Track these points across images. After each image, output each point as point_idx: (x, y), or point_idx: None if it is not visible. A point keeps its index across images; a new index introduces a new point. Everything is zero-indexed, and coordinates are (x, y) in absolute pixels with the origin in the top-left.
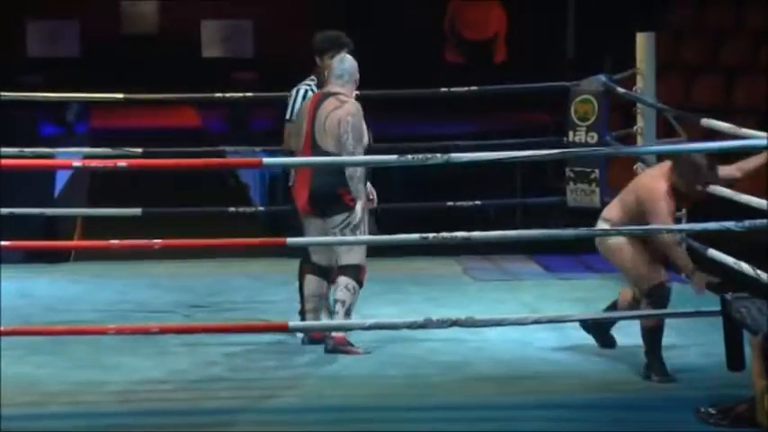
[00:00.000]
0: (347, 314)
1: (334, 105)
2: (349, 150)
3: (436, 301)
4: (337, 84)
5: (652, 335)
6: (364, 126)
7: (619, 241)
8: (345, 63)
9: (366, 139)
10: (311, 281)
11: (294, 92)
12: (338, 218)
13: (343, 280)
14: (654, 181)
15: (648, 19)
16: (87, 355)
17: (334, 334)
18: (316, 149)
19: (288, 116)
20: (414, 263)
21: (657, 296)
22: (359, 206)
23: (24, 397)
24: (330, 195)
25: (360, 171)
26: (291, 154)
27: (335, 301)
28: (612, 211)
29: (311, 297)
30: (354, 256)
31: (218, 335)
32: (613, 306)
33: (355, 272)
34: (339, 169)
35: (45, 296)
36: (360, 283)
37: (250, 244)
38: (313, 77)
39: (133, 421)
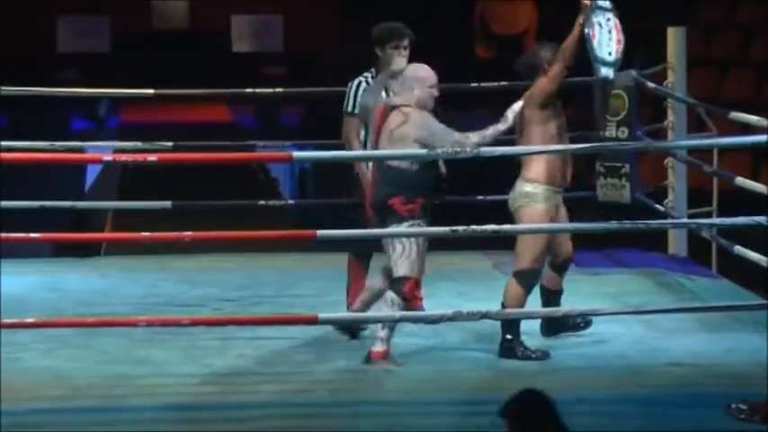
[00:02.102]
0: (390, 330)
1: (398, 121)
2: (454, 146)
3: (466, 295)
4: (400, 95)
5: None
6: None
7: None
8: (408, 72)
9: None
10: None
11: (355, 85)
12: (393, 229)
13: (388, 295)
14: None
15: (679, 14)
16: (117, 348)
17: (373, 349)
18: (380, 163)
19: (350, 109)
20: (442, 258)
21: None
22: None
23: (54, 390)
24: (385, 206)
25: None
26: (343, 148)
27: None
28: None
29: (367, 289)
30: (402, 267)
31: (247, 329)
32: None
33: (400, 285)
34: (394, 180)
35: (75, 290)
36: (404, 299)
37: (280, 237)
38: (372, 69)
39: (162, 415)
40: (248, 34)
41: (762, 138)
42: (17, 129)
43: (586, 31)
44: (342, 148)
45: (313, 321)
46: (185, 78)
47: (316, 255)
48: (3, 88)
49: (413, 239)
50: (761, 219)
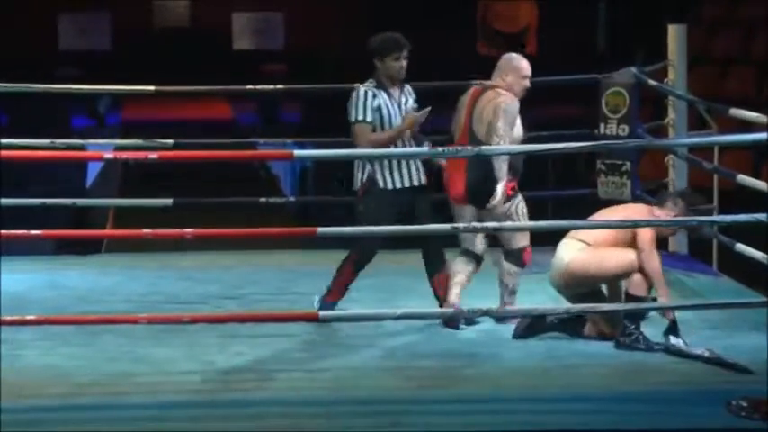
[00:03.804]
0: (512, 294)
1: (491, 96)
2: (499, 133)
3: (467, 292)
4: (497, 78)
5: (637, 300)
6: (518, 118)
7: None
8: (504, 59)
9: (518, 131)
10: (460, 261)
11: (362, 94)
12: (501, 209)
13: (506, 267)
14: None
15: (680, 11)
16: (118, 346)
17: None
18: (472, 137)
19: (360, 117)
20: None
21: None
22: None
23: (55, 388)
24: (487, 188)
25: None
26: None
27: (502, 284)
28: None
29: (457, 274)
30: (522, 239)
31: (248, 326)
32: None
33: (521, 254)
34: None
35: (76, 288)
36: (523, 266)
37: (281, 234)
38: (372, 80)
39: (163, 413)
40: (249, 32)
41: (762, 135)
42: (18, 126)
43: None
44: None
45: (313, 319)
46: (186, 76)
47: (316, 252)
48: (3, 85)
49: (521, 212)
50: (761, 216)
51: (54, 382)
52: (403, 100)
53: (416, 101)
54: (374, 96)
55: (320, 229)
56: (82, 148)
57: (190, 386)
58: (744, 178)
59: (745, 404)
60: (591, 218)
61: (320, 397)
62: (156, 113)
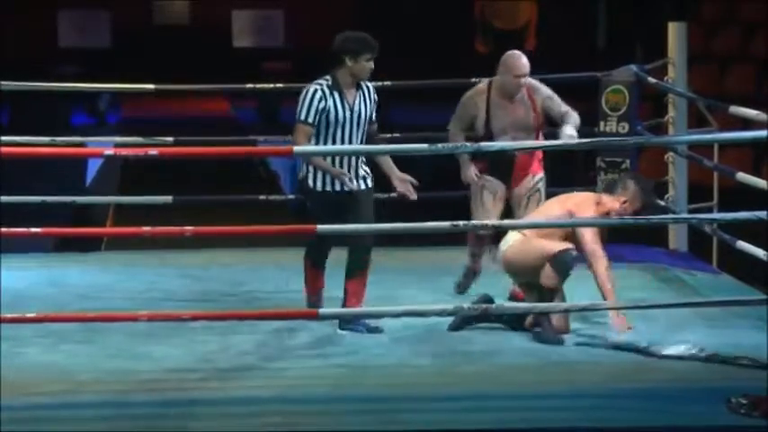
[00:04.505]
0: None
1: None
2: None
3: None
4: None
5: (551, 294)
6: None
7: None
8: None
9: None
10: None
11: (311, 93)
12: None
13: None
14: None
15: (680, 9)
16: (118, 343)
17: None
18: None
19: (303, 117)
20: (443, 252)
21: (562, 261)
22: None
23: (55, 385)
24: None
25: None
26: None
27: None
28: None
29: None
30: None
31: (248, 324)
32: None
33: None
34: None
35: (76, 285)
36: None
37: (281, 232)
38: (327, 78)
39: (163, 410)
40: (249, 29)
41: (762, 133)
42: (18, 124)
43: None
44: None
45: (313, 316)
46: (186, 73)
47: None
48: (4, 83)
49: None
50: (761, 214)
51: (54, 380)
52: (357, 102)
53: (378, 101)
54: (323, 98)
55: (320, 227)
56: (82, 145)
57: (190, 383)
58: (744, 176)
59: (744, 402)
60: (540, 207)
61: (320, 394)
62: (156, 111)
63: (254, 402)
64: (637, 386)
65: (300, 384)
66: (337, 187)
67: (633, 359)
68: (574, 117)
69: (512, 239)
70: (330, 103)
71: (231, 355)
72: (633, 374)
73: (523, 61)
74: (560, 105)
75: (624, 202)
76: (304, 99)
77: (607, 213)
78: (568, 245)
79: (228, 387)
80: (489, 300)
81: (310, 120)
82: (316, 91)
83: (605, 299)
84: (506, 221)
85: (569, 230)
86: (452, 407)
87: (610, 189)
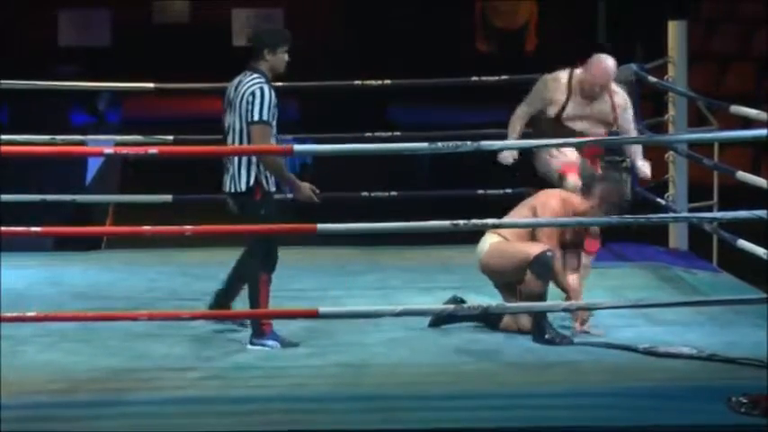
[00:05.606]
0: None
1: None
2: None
3: (467, 289)
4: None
5: (539, 300)
6: None
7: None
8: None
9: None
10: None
11: (267, 90)
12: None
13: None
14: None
15: (680, 8)
16: (118, 342)
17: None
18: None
19: (265, 117)
20: (444, 251)
21: (541, 263)
22: None
23: (55, 384)
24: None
25: None
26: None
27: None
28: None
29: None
30: None
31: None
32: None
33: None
34: None
35: (76, 284)
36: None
37: (281, 231)
38: (258, 75)
39: (163, 409)
40: (249, 28)
41: (762, 132)
42: (18, 122)
43: None
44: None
45: (313, 315)
46: (186, 72)
47: (316, 249)
48: (3, 82)
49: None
50: (761, 213)
51: (54, 379)
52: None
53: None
54: (272, 93)
55: (320, 226)
56: (82, 144)
57: (190, 382)
58: (744, 174)
59: (745, 400)
60: (517, 207)
61: (320, 393)
62: (156, 110)
63: (254, 401)
64: (637, 385)
65: (300, 383)
66: (272, 188)
67: (633, 359)
68: (639, 147)
69: (488, 242)
70: (275, 98)
71: (231, 354)
72: (633, 374)
73: (603, 70)
74: (630, 122)
75: (591, 207)
76: (263, 98)
77: (575, 213)
78: (543, 246)
79: (228, 386)
80: (460, 300)
81: (272, 119)
82: (269, 88)
83: (569, 298)
84: (505, 220)
85: (534, 230)
86: (452, 406)
87: (582, 190)
